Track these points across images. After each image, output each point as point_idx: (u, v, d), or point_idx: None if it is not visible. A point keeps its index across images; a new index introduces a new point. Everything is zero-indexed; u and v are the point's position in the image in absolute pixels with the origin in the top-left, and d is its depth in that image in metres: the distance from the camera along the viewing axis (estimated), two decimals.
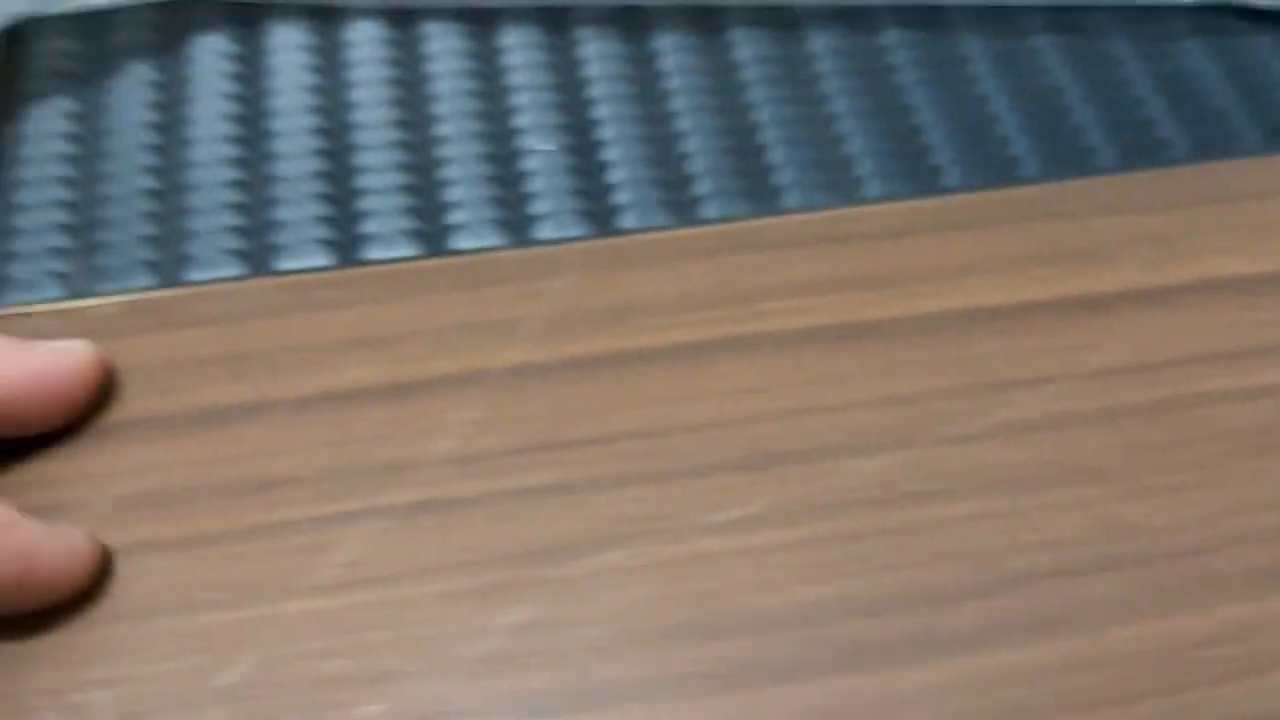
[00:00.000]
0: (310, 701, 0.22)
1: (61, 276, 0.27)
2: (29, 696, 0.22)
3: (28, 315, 0.26)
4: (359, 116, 0.30)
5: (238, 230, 0.28)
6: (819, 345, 0.26)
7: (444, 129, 0.30)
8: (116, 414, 0.25)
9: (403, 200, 0.29)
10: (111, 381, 0.25)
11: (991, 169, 0.30)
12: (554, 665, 0.22)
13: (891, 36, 0.33)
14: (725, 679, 0.22)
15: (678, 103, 0.31)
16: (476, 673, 0.22)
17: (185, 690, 0.22)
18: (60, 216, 0.28)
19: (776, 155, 0.30)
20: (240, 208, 0.28)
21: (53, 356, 0.25)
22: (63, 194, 0.29)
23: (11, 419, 0.24)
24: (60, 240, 0.28)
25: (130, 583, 0.23)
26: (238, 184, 0.29)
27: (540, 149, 0.30)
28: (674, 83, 0.31)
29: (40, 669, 0.22)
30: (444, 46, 0.32)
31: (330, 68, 0.31)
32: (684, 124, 0.31)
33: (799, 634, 0.23)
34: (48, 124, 0.30)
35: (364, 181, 0.29)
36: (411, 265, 0.27)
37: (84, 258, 0.28)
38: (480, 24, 0.32)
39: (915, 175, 0.30)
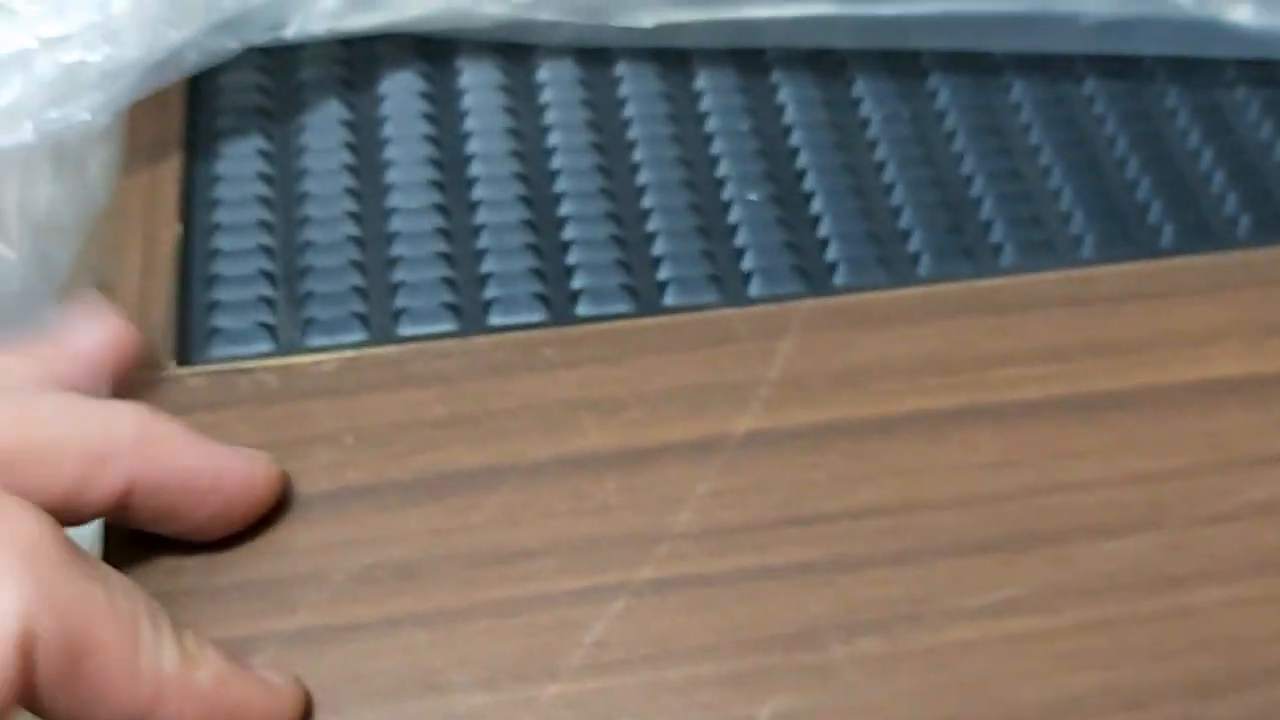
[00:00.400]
0: None
1: (269, 329, 0.27)
2: None
3: (250, 371, 0.26)
4: (559, 162, 0.29)
5: (448, 283, 0.27)
6: (1060, 417, 0.26)
7: (646, 176, 0.29)
8: (354, 478, 0.24)
9: (612, 254, 0.28)
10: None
11: (1205, 231, 0.29)
12: None
13: (1091, 86, 0.31)
14: None
15: (882, 151, 0.30)
16: None
17: None
18: (263, 264, 0.27)
19: (989, 210, 0.29)
20: (448, 258, 0.28)
21: (242, 462, 0.23)
22: (264, 239, 0.28)
23: (192, 521, 0.23)
24: (265, 289, 0.27)
25: (374, 660, 0.22)
26: (443, 233, 0.28)
27: (749, 198, 0.29)
28: (877, 130, 0.30)
29: None
30: (639, 89, 0.31)
31: (526, 110, 0.30)
32: (891, 175, 0.30)
33: None
34: (242, 165, 0.29)
35: (572, 233, 0.28)
36: (634, 323, 0.26)
37: (292, 309, 0.27)
38: (674, 65, 0.31)
39: (1133, 236, 0.29)
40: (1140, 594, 0.24)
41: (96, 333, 0.24)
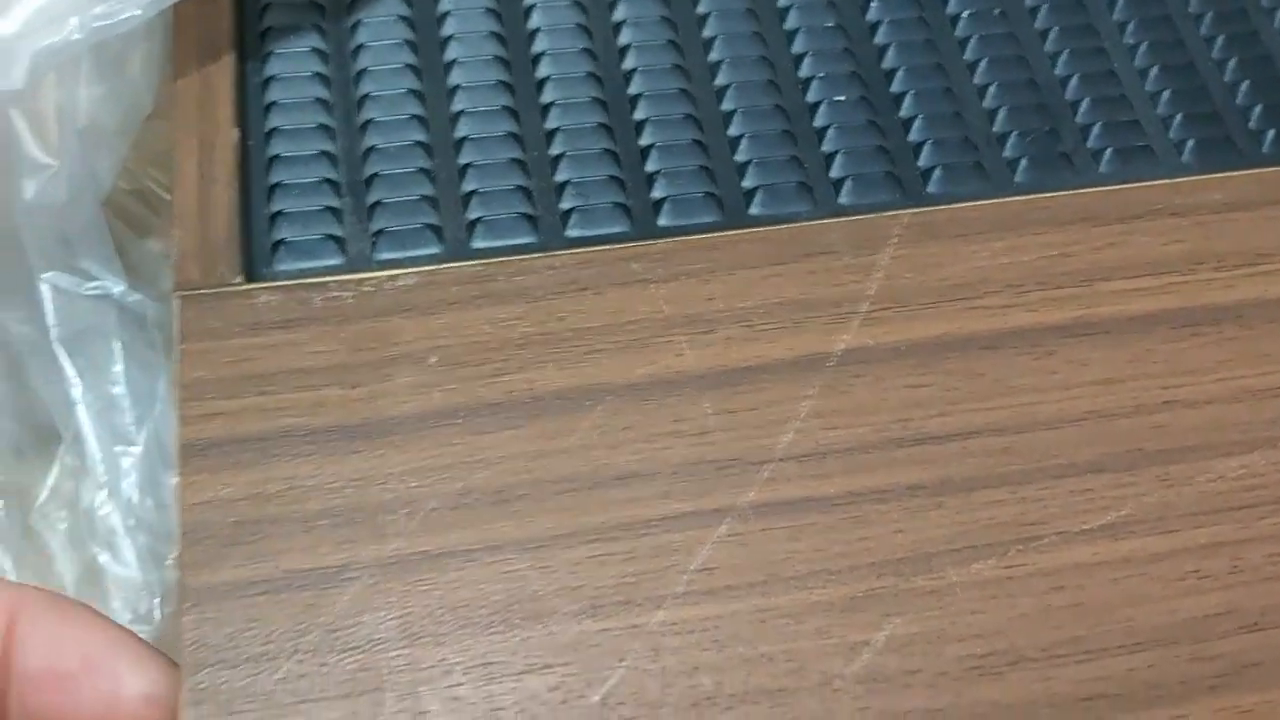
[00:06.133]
0: None
1: (338, 241, 0.26)
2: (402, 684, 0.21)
3: (323, 286, 0.25)
4: (634, 61, 0.28)
5: (523, 192, 0.27)
6: (1169, 331, 0.25)
7: (726, 77, 0.28)
8: (441, 400, 0.24)
9: (694, 160, 0.27)
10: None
11: None
12: (934, 686, 0.22)
13: None
14: (1114, 700, 0.22)
15: (972, 51, 0.30)
16: (854, 693, 0.22)
17: (548, 709, 0.21)
18: (326, 171, 0.27)
19: (1086, 114, 0.29)
20: (522, 165, 0.27)
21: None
22: (325, 145, 0.27)
23: None
24: (330, 199, 0.26)
25: (473, 588, 0.22)
26: (515, 138, 0.27)
27: (836, 99, 0.28)
28: (966, 28, 0.30)
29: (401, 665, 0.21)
30: None
31: (596, 6, 0.29)
32: (983, 76, 0.29)
33: (1185, 651, 0.22)
34: (297, 65, 0.28)
35: (651, 137, 0.27)
36: (723, 235, 0.26)
37: (360, 220, 0.26)
38: None
39: (1234, 142, 0.28)
40: (1256, 514, 0.24)
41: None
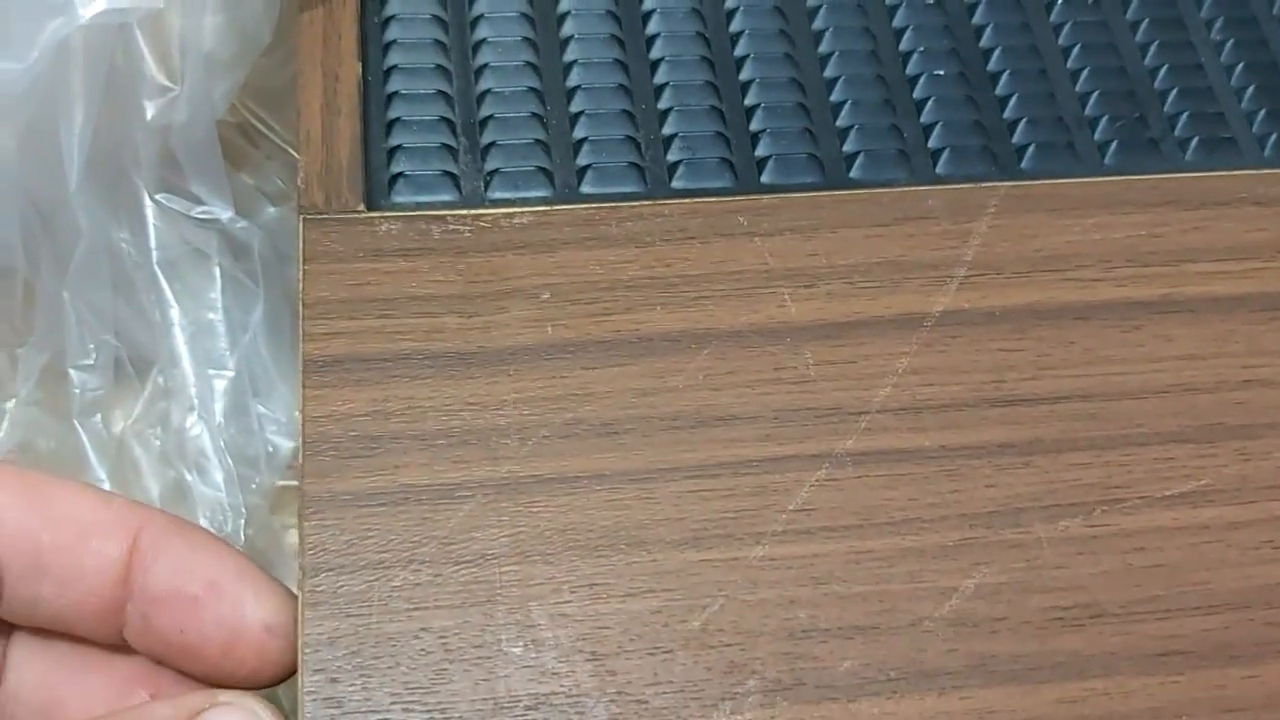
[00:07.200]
0: (784, 650, 0.22)
1: (453, 178, 0.27)
2: (497, 630, 0.22)
3: (441, 218, 0.26)
4: (741, 24, 0.29)
5: (632, 142, 0.28)
6: (1251, 314, 0.26)
7: (830, 45, 0.29)
8: (554, 334, 0.25)
9: (798, 122, 0.28)
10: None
11: None
12: (1018, 633, 0.23)
13: None
14: (1187, 658, 0.23)
15: (1067, 36, 0.31)
16: (944, 635, 0.23)
17: (651, 630, 0.22)
18: (443, 110, 0.28)
19: (1173, 104, 0.30)
20: (630, 117, 0.28)
21: None
22: (442, 85, 0.28)
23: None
24: (447, 137, 0.27)
25: (581, 513, 0.23)
26: (625, 90, 0.28)
27: (935, 73, 0.29)
28: (1061, 14, 0.31)
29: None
30: None
31: None
32: (1076, 61, 0.30)
33: (1259, 615, 0.23)
34: (416, 4, 0.29)
35: (756, 98, 0.29)
36: (826, 195, 0.27)
37: (474, 159, 0.27)
38: None
39: None
40: None
41: None
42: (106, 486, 0.30)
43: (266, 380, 0.31)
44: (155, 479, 0.31)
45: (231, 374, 0.31)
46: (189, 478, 0.31)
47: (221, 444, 0.31)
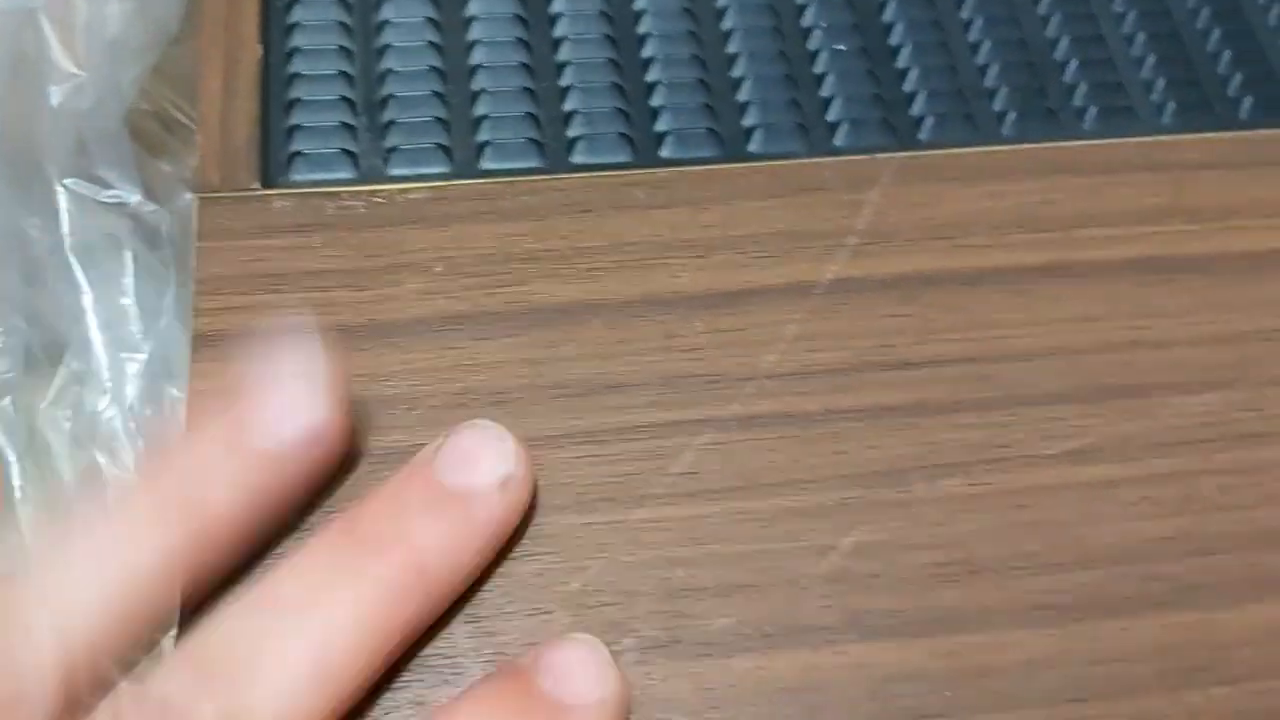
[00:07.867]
0: (661, 609, 0.23)
1: (351, 156, 0.28)
2: None
3: (336, 195, 0.27)
4: (645, 2, 0.30)
5: (532, 119, 0.28)
6: (1141, 277, 0.27)
7: (733, 21, 0.30)
8: (445, 306, 0.25)
9: (698, 97, 0.29)
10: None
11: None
12: (895, 589, 0.23)
13: None
14: (1062, 611, 0.23)
15: (969, 9, 0.31)
16: (821, 591, 0.23)
17: (533, 592, 0.23)
18: (344, 90, 0.28)
19: (1073, 74, 0.30)
20: (531, 94, 0.29)
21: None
22: (343, 65, 0.29)
23: None
24: (346, 116, 0.28)
25: None
26: (526, 68, 0.29)
27: (836, 48, 0.30)
28: None
29: None
30: None
31: None
32: (977, 33, 0.31)
33: (1134, 570, 0.24)
34: None
35: (657, 74, 0.29)
36: (723, 168, 0.28)
37: (374, 137, 0.28)
38: None
39: (1213, 107, 0.30)
40: (1213, 448, 0.25)
41: (305, 421, 0.22)
42: (15, 469, 0.31)
43: (180, 363, 0.31)
44: (68, 462, 0.32)
45: (144, 357, 0.32)
46: (101, 459, 0.31)
47: (133, 426, 0.31)
